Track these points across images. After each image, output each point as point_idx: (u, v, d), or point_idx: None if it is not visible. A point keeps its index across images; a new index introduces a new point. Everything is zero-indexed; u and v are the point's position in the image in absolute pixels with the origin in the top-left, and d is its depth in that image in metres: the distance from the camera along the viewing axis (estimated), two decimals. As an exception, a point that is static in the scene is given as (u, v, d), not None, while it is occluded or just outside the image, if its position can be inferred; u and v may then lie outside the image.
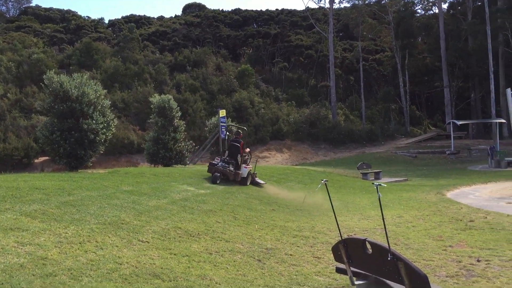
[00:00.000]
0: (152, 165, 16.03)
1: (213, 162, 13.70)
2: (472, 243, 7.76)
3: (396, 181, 20.54)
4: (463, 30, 47.26)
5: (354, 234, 8.36)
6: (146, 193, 8.65)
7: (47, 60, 45.48)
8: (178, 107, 16.89)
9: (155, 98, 16.55)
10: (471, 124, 43.98)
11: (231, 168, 13.23)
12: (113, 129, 12.84)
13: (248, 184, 13.51)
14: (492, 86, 38.91)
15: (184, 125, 17.65)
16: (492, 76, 38.84)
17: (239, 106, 43.08)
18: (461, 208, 11.15)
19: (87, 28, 73.73)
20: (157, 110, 16.28)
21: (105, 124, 12.00)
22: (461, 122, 36.38)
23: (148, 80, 47.50)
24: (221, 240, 6.49)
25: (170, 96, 16.84)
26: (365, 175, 20.91)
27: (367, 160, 34.63)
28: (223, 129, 17.74)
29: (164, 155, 15.64)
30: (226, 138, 18.36)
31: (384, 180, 20.55)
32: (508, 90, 14.03)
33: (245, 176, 13.43)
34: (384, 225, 3.76)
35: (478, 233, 8.46)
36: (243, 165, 13.71)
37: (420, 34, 53.40)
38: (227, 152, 14.07)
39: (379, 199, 3.52)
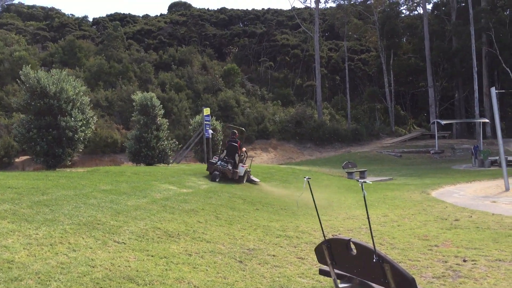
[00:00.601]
0: (134, 164, 15.70)
1: (212, 161, 14.19)
2: (458, 243, 7.64)
3: (381, 180, 20.48)
4: (447, 30, 47.57)
5: (339, 234, 8.21)
6: (125, 192, 8.38)
7: (29, 58, 44.68)
8: (161, 105, 16.57)
9: (137, 96, 16.21)
10: (455, 124, 44.29)
11: (230, 167, 13.82)
12: (92, 127, 12.53)
13: (244, 182, 14.08)
14: (475, 86, 39.20)
15: (167, 124, 17.34)
16: (475, 76, 39.14)
17: (224, 105, 42.84)
18: (446, 207, 11.07)
19: (70, 26, 72.85)
20: (139, 108, 15.94)
21: (84, 122, 11.65)
22: (445, 122, 36.59)
23: (132, 78, 47.03)
24: (201, 241, 6.26)
25: (153, 94, 16.51)
26: (350, 174, 20.81)
27: (353, 159, 34.63)
28: (207, 128, 17.49)
29: (146, 153, 15.29)
30: (211, 137, 18.14)
31: (369, 179, 20.49)
32: (493, 89, 14.00)
33: (242, 174, 14.06)
34: (369, 224, 3.57)
35: (464, 232, 8.35)
36: (240, 164, 14.25)
37: (405, 34, 53.68)
38: (225, 151, 14.49)
39: (364, 197, 3.32)
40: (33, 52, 49.17)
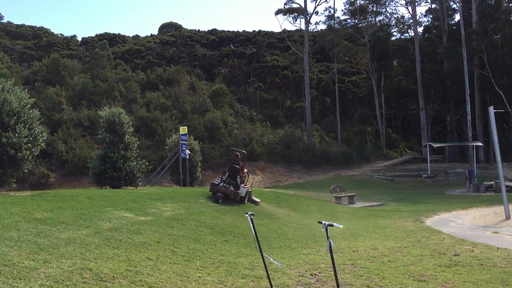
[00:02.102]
0: (99, 187, 14.31)
1: (214, 182, 14.53)
2: (460, 285, 6.38)
3: (371, 205, 19.22)
4: (439, 53, 47.01)
5: (319, 273, 6.90)
6: (64, 221, 7.03)
7: (10, 76, 43.32)
8: (130, 123, 15.24)
9: (104, 112, 14.91)
10: (448, 147, 43.33)
11: (232, 188, 14.12)
12: (42, 144, 11.20)
13: (245, 202, 14.42)
14: (468, 109, 38.38)
15: (137, 142, 16.00)
16: (468, 98, 38.35)
17: (211, 126, 41.62)
18: (444, 238, 9.81)
19: (58, 45, 71.92)
20: (106, 125, 14.61)
21: (31, 138, 10.31)
22: (437, 145, 35.57)
23: (117, 98, 45.75)
24: (142, 286, 4.94)
25: (122, 110, 15.18)
26: (338, 199, 19.54)
27: (343, 183, 33.42)
28: (183, 148, 16.22)
29: (112, 175, 13.91)
30: (187, 157, 16.88)
31: (359, 205, 19.22)
32: (491, 108, 12.93)
33: (244, 195, 14.38)
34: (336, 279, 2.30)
35: (466, 271, 7.09)
36: (242, 185, 14.57)
37: (395, 56, 53.11)
38: (227, 173, 14.74)
39: (330, 248, 2.15)
40: (16, 70, 47.87)
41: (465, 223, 12.65)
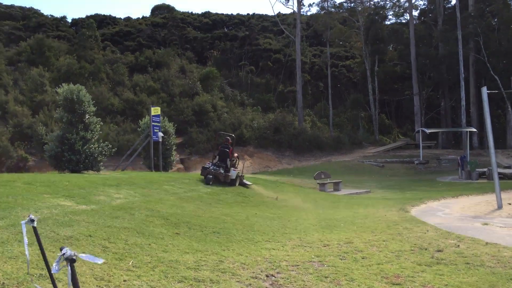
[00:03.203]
0: (57, 171, 13.24)
1: (205, 166, 15.21)
2: (441, 289, 5.43)
3: (356, 193, 18.27)
4: (434, 37, 45.87)
5: (277, 273, 5.91)
6: (-23, 211, 6.01)
7: (-7, 56, 41.98)
8: (93, 101, 14.10)
9: (62, 89, 13.74)
10: (441, 133, 42.43)
11: (222, 171, 14.73)
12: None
13: (236, 185, 14.98)
14: (462, 94, 37.40)
15: (101, 123, 14.88)
16: (462, 83, 37.35)
17: (199, 109, 40.52)
18: (427, 230, 8.84)
19: (47, 26, 70.19)
20: (63, 103, 13.47)
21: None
22: (430, 130, 34.60)
23: (104, 80, 44.52)
24: (39, 296, 3.93)
25: (82, 87, 14.03)
26: (322, 185, 18.57)
27: (333, 168, 32.52)
28: (155, 130, 15.16)
29: (69, 158, 12.82)
30: (160, 140, 15.85)
31: (344, 192, 18.28)
32: (484, 89, 11.93)
33: (234, 178, 14.95)
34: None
35: (449, 271, 6.13)
36: (232, 168, 15.12)
37: (390, 40, 51.85)
38: (217, 156, 15.35)
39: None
40: (0, 50, 46.40)
41: (454, 212, 11.71)
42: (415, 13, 52.85)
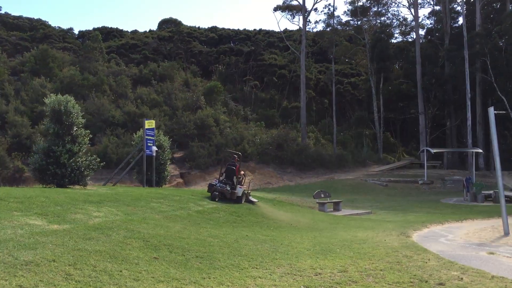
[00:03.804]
0: (42, 185, 12.69)
1: (212, 183, 15.45)
2: (441, 331, 4.84)
3: (357, 214, 17.63)
4: (440, 56, 45.45)
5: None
6: None
7: (-4, 66, 41.86)
8: (81, 112, 13.60)
9: (50, 99, 13.27)
10: (446, 153, 41.73)
11: (228, 188, 14.90)
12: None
13: (242, 202, 15.13)
14: (468, 114, 36.79)
15: (89, 135, 14.37)
16: (469, 103, 36.75)
17: (201, 123, 40.04)
18: (429, 259, 8.21)
19: (54, 38, 70.48)
20: (51, 114, 12.99)
21: None
22: (435, 150, 33.93)
23: (107, 92, 44.28)
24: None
25: (70, 98, 13.57)
26: (322, 205, 17.95)
27: (335, 187, 31.88)
28: (149, 144, 14.66)
29: (54, 172, 12.29)
30: (154, 154, 15.34)
31: (344, 212, 17.65)
32: (491, 109, 11.36)
33: (240, 195, 15.15)
34: None
35: (451, 309, 5.52)
36: (238, 185, 15.32)
37: (396, 58, 51.47)
38: (224, 174, 15.57)
39: None
40: (3, 60, 46.33)
41: (457, 239, 11.07)
42: (422, 32, 52.65)
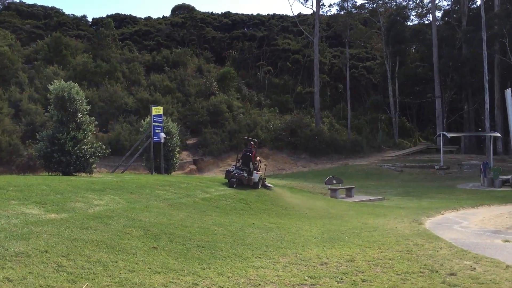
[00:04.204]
0: (48, 173, 12.58)
1: (229, 169, 15.87)
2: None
3: (370, 200, 17.30)
4: (458, 38, 44.41)
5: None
6: None
7: (10, 54, 42.01)
8: (86, 99, 13.41)
9: (53, 85, 13.09)
10: (463, 138, 40.94)
11: (245, 174, 15.22)
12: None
13: (259, 187, 15.55)
14: (486, 97, 35.91)
15: (95, 123, 14.19)
16: (487, 86, 35.85)
17: (214, 110, 39.83)
18: (441, 248, 7.90)
19: (68, 25, 70.68)
20: (54, 101, 12.83)
21: None
22: (451, 135, 33.31)
23: (120, 79, 44.21)
24: None
25: (74, 84, 13.36)
26: (334, 191, 17.64)
27: (349, 172, 31.53)
28: (157, 130, 14.47)
29: (59, 159, 12.16)
30: (163, 141, 15.15)
31: (356, 199, 17.33)
32: (508, 91, 10.84)
33: (257, 180, 15.52)
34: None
35: (461, 302, 5.23)
36: (255, 171, 15.63)
37: (412, 41, 50.42)
38: (240, 160, 15.85)
39: None
40: (17, 48, 46.51)
41: (472, 226, 10.70)
42: (438, 13, 51.37)
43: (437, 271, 6.44)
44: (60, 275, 4.79)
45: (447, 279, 6.09)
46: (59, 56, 45.04)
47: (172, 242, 6.84)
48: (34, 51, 47.71)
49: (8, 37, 50.34)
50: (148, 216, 8.08)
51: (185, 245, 6.85)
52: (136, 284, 4.93)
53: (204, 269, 5.92)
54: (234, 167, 15.94)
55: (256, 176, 15.53)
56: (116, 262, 5.50)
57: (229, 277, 5.74)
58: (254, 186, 15.33)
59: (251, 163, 15.61)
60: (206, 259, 6.35)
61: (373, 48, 56.08)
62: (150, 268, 5.53)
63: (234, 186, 14.73)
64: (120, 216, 7.60)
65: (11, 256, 4.94)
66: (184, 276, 5.49)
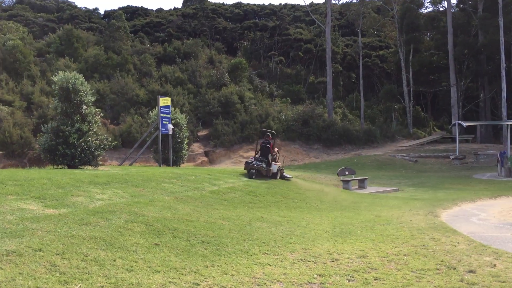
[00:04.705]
0: (54, 167, 12.34)
1: (248, 161, 16.24)
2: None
3: (383, 191, 16.88)
4: (473, 25, 43.41)
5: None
6: None
7: (22, 48, 42.09)
8: (92, 90, 13.11)
9: (57, 76, 12.81)
10: (479, 127, 40.11)
11: (264, 165, 15.57)
12: None
13: (278, 178, 15.91)
14: (503, 85, 35.02)
15: (101, 115, 13.92)
16: (504, 73, 34.94)
17: (226, 101, 39.50)
18: (458, 242, 7.52)
19: (80, 18, 70.90)
20: (59, 92, 12.57)
21: None
22: (467, 124, 32.54)
23: (131, 71, 44.09)
24: None
25: (79, 75, 13.07)
26: (346, 183, 17.25)
27: (363, 163, 31.09)
28: (164, 122, 14.18)
29: (63, 152, 11.91)
30: (171, 133, 14.88)
31: (369, 190, 16.92)
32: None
33: (275, 171, 15.85)
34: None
35: (482, 302, 4.87)
36: (273, 162, 15.97)
37: (426, 28, 49.43)
38: (259, 152, 16.26)
39: None
40: (29, 42, 46.62)
41: (490, 218, 10.28)
42: (453, 0, 50.32)
43: (454, 268, 6.08)
44: (52, 275, 4.52)
45: (466, 276, 5.73)
46: (71, 48, 45.06)
47: (175, 238, 6.56)
48: (46, 44, 47.78)
49: (21, 31, 50.51)
50: (152, 211, 7.80)
51: (189, 241, 6.56)
52: (132, 284, 4.65)
53: (207, 267, 5.62)
54: (253, 158, 16.27)
55: (274, 167, 15.84)
56: (114, 260, 5.23)
57: (233, 275, 5.43)
58: (273, 176, 15.66)
59: (269, 154, 15.95)
60: (210, 256, 6.05)
61: (387, 36, 55.12)
62: (150, 267, 5.25)
63: (254, 177, 15.09)
64: (122, 211, 7.33)
65: (2, 255, 4.69)
66: (185, 275, 5.20)
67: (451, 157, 30.92)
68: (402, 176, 24.50)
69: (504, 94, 35.12)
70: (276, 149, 16.84)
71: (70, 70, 39.30)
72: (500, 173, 23.30)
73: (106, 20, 75.69)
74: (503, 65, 34.95)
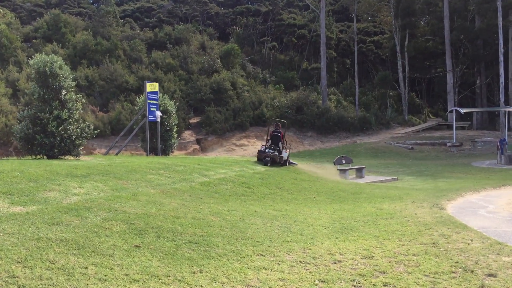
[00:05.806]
0: (31, 157, 11.51)
1: (261, 150, 17.01)
2: None
3: (381, 180, 16.23)
4: (470, 10, 42.67)
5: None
6: None
7: (8, 33, 40.87)
8: (72, 75, 12.23)
9: (34, 59, 11.91)
10: (476, 113, 39.60)
11: (277, 153, 16.39)
12: None
13: (288, 165, 16.75)
14: (501, 70, 34.41)
15: (82, 100, 13.05)
16: (502, 58, 34.31)
17: (218, 87, 38.63)
18: (471, 240, 6.86)
19: (69, 3, 69.24)
20: (36, 77, 11.68)
21: None
22: (465, 110, 32.00)
23: (121, 57, 43.04)
24: None
25: (57, 58, 12.18)
26: (343, 172, 16.60)
27: (358, 150, 30.50)
28: (152, 109, 13.40)
29: (42, 141, 11.07)
30: (159, 120, 14.11)
31: (367, 179, 16.28)
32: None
33: (286, 158, 16.74)
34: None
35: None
36: (283, 150, 16.86)
37: (422, 13, 48.62)
38: (270, 140, 16.91)
39: None
40: (16, 27, 45.33)
41: (500, 210, 9.63)
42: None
43: (472, 271, 5.41)
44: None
45: (486, 281, 5.07)
46: (59, 34, 43.89)
47: (159, 238, 5.83)
48: (34, 30, 46.50)
49: (8, 16, 49.13)
50: (134, 206, 7.06)
51: (174, 241, 5.84)
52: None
53: (194, 273, 4.92)
54: (264, 147, 16.93)
55: (285, 154, 16.67)
56: (86, 268, 4.50)
57: (223, 283, 4.74)
58: (284, 163, 16.51)
59: (280, 143, 16.72)
60: (198, 260, 5.34)
61: (382, 21, 54.32)
62: (127, 275, 4.53)
63: (269, 165, 15.78)
64: (101, 207, 6.59)
65: None
66: (168, 284, 4.49)
67: (448, 144, 30.38)
68: (399, 164, 23.90)
69: (501, 79, 34.56)
70: (285, 138, 17.66)
71: (58, 55, 38.46)
72: (500, 160, 22.76)
73: (96, 5, 74.10)
74: (501, 50, 34.33)
